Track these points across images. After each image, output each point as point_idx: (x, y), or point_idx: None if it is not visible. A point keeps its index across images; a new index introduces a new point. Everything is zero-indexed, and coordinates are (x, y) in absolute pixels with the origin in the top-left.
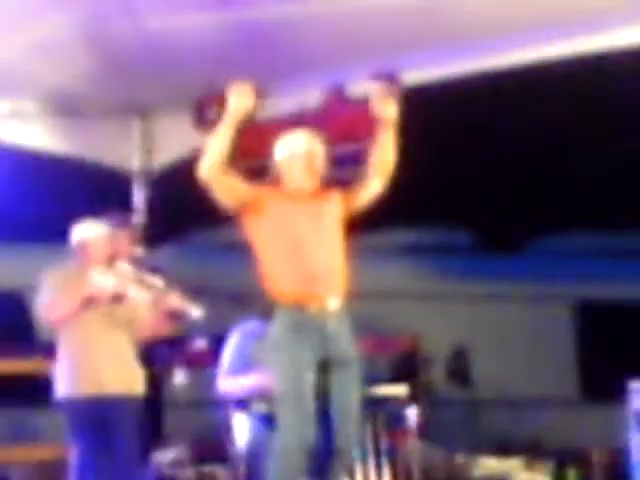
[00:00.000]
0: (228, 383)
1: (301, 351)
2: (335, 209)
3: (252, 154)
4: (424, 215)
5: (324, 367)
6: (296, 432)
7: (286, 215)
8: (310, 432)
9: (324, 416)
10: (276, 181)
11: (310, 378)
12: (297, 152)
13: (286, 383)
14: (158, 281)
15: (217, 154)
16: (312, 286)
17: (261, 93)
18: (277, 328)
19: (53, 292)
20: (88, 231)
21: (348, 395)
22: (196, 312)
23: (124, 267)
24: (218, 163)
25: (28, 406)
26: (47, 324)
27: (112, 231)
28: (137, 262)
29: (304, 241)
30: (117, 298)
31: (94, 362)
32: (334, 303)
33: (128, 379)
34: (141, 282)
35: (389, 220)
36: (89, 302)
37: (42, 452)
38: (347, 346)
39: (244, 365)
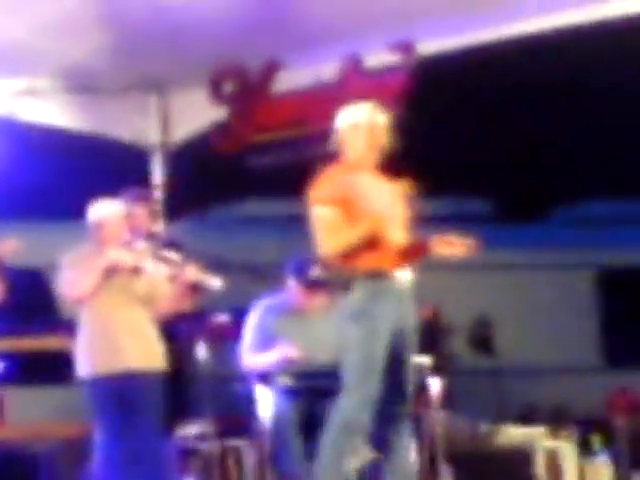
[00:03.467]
0: (251, 359)
1: (379, 322)
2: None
3: (270, 128)
4: (444, 185)
5: (398, 334)
6: (363, 399)
7: (359, 187)
8: (375, 399)
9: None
10: (335, 151)
11: (383, 350)
12: (359, 123)
13: (360, 353)
14: (175, 256)
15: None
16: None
17: None
18: (357, 297)
19: (73, 269)
20: (104, 211)
21: (411, 362)
22: (215, 283)
23: (141, 245)
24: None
25: (51, 383)
26: (70, 302)
27: (129, 208)
28: (155, 237)
29: (381, 211)
30: (135, 272)
31: (114, 338)
32: (409, 272)
33: (149, 354)
34: (158, 258)
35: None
36: (109, 274)
37: (67, 429)
38: (414, 315)
39: (266, 340)
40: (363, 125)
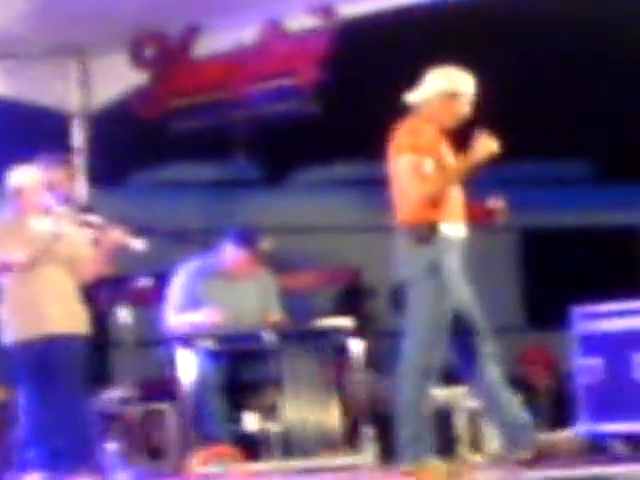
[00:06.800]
0: (176, 319)
1: (451, 279)
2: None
3: (190, 92)
4: (369, 148)
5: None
6: (430, 354)
7: (439, 150)
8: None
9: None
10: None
11: (451, 304)
12: (466, 94)
13: (430, 310)
14: (96, 219)
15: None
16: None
17: None
18: (433, 251)
19: None
20: (22, 177)
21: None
22: (138, 245)
23: (61, 209)
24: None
25: None
26: None
27: (48, 173)
28: (75, 202)
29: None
30: (56, 239)
31: (37, 303)
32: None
33: (71, 318)
34: (79, 221)
35: (332, 153)
36: (35, 261)
37: None
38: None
39: (193, 301)
40: (463, 96)
